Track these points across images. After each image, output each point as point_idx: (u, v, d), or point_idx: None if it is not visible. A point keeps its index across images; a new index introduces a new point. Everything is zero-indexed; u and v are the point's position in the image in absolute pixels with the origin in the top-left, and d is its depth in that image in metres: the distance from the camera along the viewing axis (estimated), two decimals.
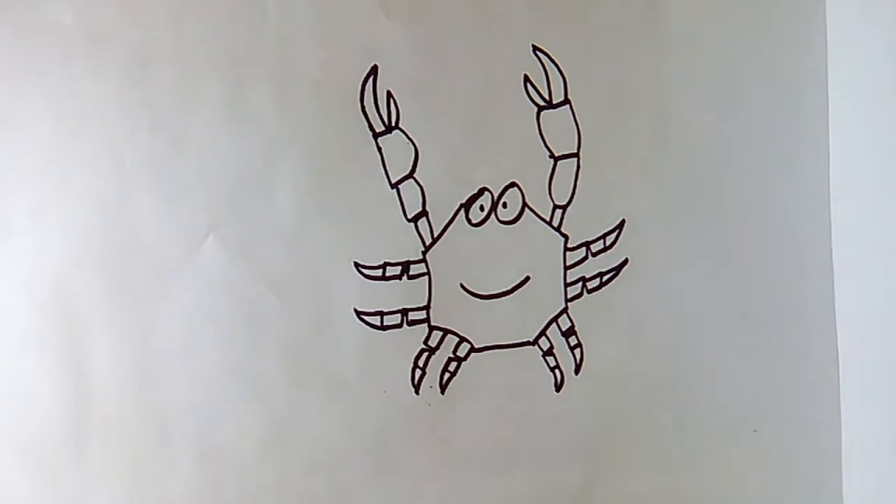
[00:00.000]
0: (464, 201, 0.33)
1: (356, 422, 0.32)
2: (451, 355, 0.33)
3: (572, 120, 0.33)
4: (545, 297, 0.33)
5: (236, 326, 0.31)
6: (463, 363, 0.33)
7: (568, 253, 0.34)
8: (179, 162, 0.31)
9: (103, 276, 0.31)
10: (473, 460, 0.33)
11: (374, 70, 0.32)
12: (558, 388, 0.33)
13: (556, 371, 0.34)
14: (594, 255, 0.34)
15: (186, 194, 0.31)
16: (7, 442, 0.30)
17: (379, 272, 0.32)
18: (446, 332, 0.33)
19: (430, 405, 0.33)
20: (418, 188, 0.32)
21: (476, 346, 0.33)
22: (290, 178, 0.31)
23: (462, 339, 0.33)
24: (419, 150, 0.32)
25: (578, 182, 0.34)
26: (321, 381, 0.32)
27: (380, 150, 0.32)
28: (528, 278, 0.34)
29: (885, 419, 0.34)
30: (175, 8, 0.30)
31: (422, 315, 0.33)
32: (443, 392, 0.33)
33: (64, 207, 0.30)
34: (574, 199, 0.34)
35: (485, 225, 0.33)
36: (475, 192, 0.33)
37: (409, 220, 0.32)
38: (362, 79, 0.32)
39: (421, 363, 0.33)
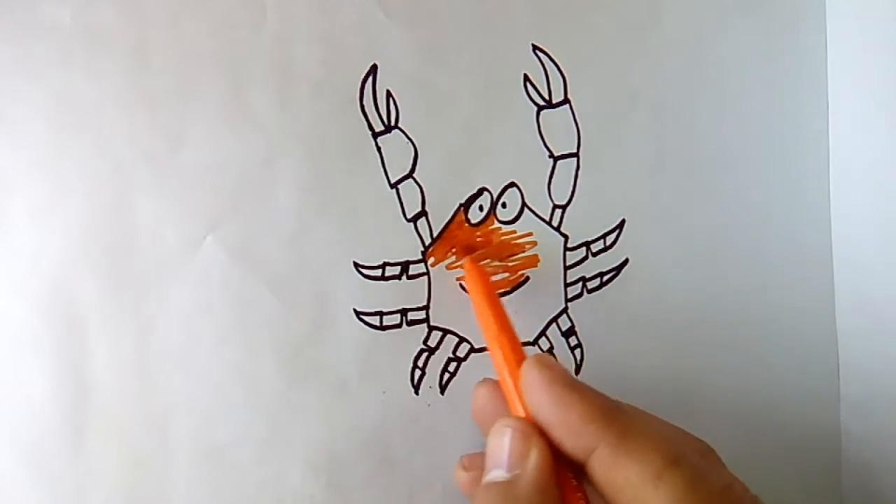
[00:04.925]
0: (463, 201, 0.33)
1: (355, 422, 0.32)
2: (451, 355, 0.33)
3: (572, 119, 0.33)
4: (545, 297, 0.33)
5: (235, 326, 0.31)
6: (463, 363, 0.33)
7: (568, 253, 0.34)
8: (178, 161, 0.31)
9: (101, 275, 0.30)
10: None
11: (373, 69, 0.32)
12: None
13: None
14: (594, 254, 0.34)
15: (185, 194, 0.31)
16: (4, 441, 0.30)
17: (378, 272, 0.32)
18: (446, 332, 0.33)
19: (429, 405, 0.33)
20: (418, 188, 0.32)
21: (476, 346, 0.33)
22: (289, 178, 0.31)
23: (462, 340, 0.33)
24: (419, 149, 0.32)
25: (578, 182, 0.34)
26: (320, 380, 0.32)
27: (379, 149, 0.32)
28: (527, 278, 0.34)
29: (885, 419, 0.34)
30: (174, 7, 0.30)
31: (421, 315, 0.33)
32: (443, 392, 0.33)
33: (62, 207, 0.30)
34: (574, 199, 0.34)
35: (484, 225, 0.33)
36: (474, 192, 0.33)
37: (408, 220, 0.32)
38: (361, 78, 0.32)
39: (420, 363, 0.33)
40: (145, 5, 0.30)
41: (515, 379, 0.28)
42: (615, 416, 0.25)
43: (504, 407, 0.29)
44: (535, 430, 0.26)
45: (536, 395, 0.26)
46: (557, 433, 0.26)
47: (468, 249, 0.33)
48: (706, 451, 0.26)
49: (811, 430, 0.36)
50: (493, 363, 0.29)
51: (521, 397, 0.27)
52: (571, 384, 0.26)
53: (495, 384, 0.30)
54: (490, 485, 0.26)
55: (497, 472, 0.26)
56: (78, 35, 0.30)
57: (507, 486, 0.25)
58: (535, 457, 0.25)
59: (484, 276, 0.32)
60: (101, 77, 0.30)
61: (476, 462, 0.31)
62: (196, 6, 0.30)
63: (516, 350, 0.29)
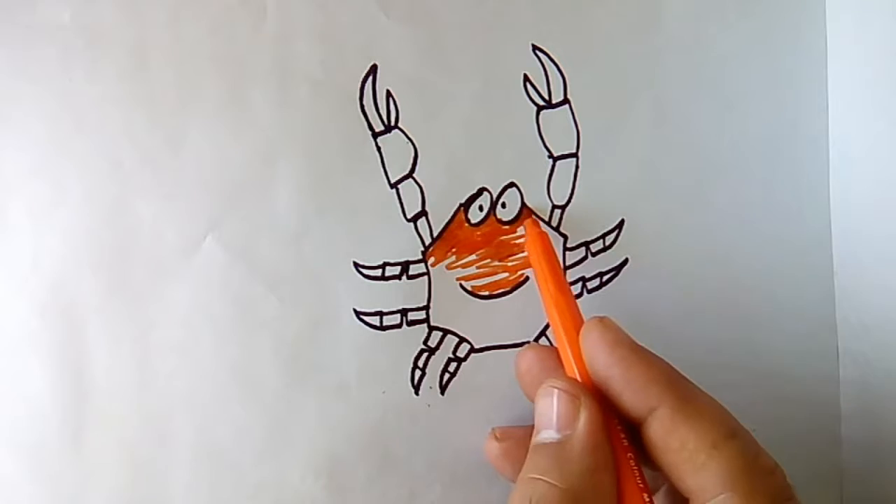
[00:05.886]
0: (463, 201, 0.33)
1: (355, 422, 0.32)
2: (451, 356, 0.33)
3: (572, 119, 0.33)
4: None
5: (235, 326, 0.31)
6: (463, 363, 0.33)
7: (567, 253, 0.34)
8: (178, 161, 0.31)
9: (102, 276, 0.30)
10: (473, 461, 0.33)
11: (373, 69, 0.32)
12: None
13: None
14: (594, 254, 0.34)
15: (185, 194, 0.31)
16: (4, 441, 0.30)
17: (378, 272, 0.32)
18: (446, 332, 0.33)
19: (429, 406, 0.33)
20: (418, 188, 0.32)
21: (476, 346, 0.33)
22: (288, 178, 0.31)
23: (462, 340, 0.33)
24: (419, 149, 0.32)
25: (578, 182, 0.34)
26: (320, 381, 0.32)
27: (379, 149, 0.32)
28: (527, 278, 0.34)
29: (885, 419, 0.34)
30: (173, 7, 0.30)
31: (421, 315, 0.33)
32: (443, 393, 0.33)
33: (62, 207, 0.30)
34: (573, 199, 0.34)
35: (484, 225, 0.33)
36: (474, 192, 0.33)
37: (408, 220, 0.32)
38: (361, 78, 0.32)
39: (420, 364, 0.33)
40: (145, 5, 0.30)
41: (573, 339, 0.28)
42: (678, 380, 0.26)
43: (551, 368, 0.29)
44: (584, 389, 0.26)
45: (598, 353, 0.27)
46: (618, 391, 0.26)
47: (525, 218, 0.33)
48: (751, 432, 0.26)
49: (812, 429, 0.36)
50: (550, 324, 0.30)
51: (578, 357, 0.28)
52: (634, 345, 0.27)
53: (541, 347, 0.31)
54: (541, 446, 0.26)
55: (547, 433, 0.26)
56: (78, 35, 0.30)
57: (558, 447, 0.25)
58: (584, 417, 0.25)
59: (544, 237, 0.32)
60: (101, 77, 0.30)
61: (509, 433, 0.31)
62: (196, 6, 0.30)
63: (574, 311, 0.29)
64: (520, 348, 0.32)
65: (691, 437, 0.24)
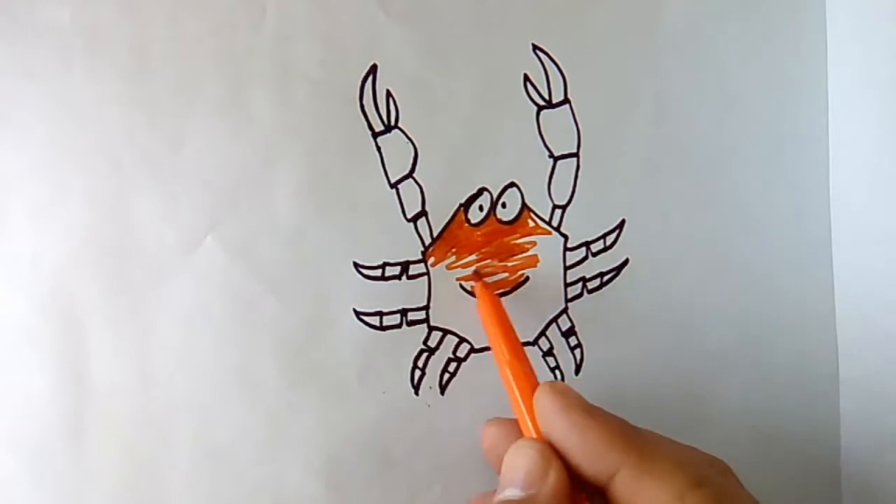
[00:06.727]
0: (463, 201, 0.33)
1: (355, 422, 0.32)
2: (451, 356, 0.33)
3: (572, 119, 0.33)
4: (545, 297, 0.33)
5: (235, 326, 0.31)
6: (463, 364, 0.33)
7: (568, 253, 0.34)
8: (177, 161, 0.31)
9: (101, 275, 0.30)
10: (473, 461, 0.33)
11: (373, 69, 0.32)
12: None
13: (557, 371, 0.34)
14: (594, 255, 0.34)
15: (184, 194, 0.31)
16: (4, 441, 0.30)
17: (378, 272, 0.32)
18: (446, 332, 0.33)
19: (429, 406, 0.33)
20: (418, 188, 0.32)
21: (476, 346, 0.33)
22: (288, 178, 0.31)
23: (462, 340, 0.33)
24: (419, 149, 0.32)
25: (578, 182, 0.34)
26: (320, 381, 0.32)
27: (379, 149, 0.32)
28: (527, 278, 0.34)
29: (885, 418, 0.34)
30: (173, 7, 0.30)
31: (421, 315, 0.33)
32: (443, 393, 0.33)
33: (62, 207, 0.30)
34: (574, 199, 0.34)
35: (484, 225, 0.33)
36: (474, 192, 0.33)
37: (408, 220, 0.32)
38: (361, 78, 0.32)
39: (420, 364, 0.33)
40: (145, 5, 0.30)
41: (529, 405, 0.28)
42: (635, 438, 0.26)
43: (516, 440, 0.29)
44: (554, 452, 0.26)
45: (552, 421, 0.26)
46: (577, 458, 0.26)
47: (478, 272, 0.33)
48: (724, 471, 0.26)
49: (811, 428, 0.36)
50: (506, 390, 0.29)
51: (535, 424, 0.27)
52: (587, 409, 0.26)
53: (503, 421, 0.30)
54: (504, 502, 0.26)
55: (512, 491, 0.26)
56: (78, 35, 0.30)
57: None
58: (553, 477, 0.25)
59: (495, 301, 0.32)
60: (101, 77, 0.30)
61: (487, 501, 0.31)
62: (195, 6, 0.30)
63: (530, 377, 0.29)
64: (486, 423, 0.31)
65: (659, 494, 0.24)
